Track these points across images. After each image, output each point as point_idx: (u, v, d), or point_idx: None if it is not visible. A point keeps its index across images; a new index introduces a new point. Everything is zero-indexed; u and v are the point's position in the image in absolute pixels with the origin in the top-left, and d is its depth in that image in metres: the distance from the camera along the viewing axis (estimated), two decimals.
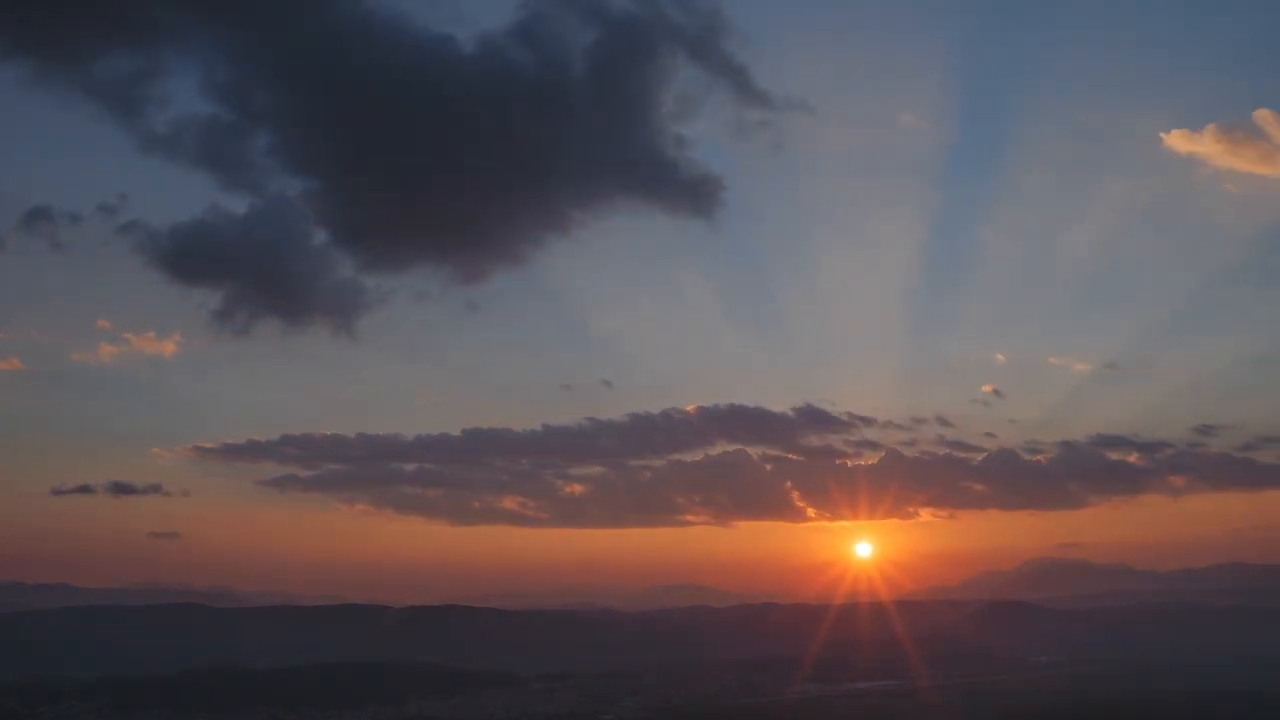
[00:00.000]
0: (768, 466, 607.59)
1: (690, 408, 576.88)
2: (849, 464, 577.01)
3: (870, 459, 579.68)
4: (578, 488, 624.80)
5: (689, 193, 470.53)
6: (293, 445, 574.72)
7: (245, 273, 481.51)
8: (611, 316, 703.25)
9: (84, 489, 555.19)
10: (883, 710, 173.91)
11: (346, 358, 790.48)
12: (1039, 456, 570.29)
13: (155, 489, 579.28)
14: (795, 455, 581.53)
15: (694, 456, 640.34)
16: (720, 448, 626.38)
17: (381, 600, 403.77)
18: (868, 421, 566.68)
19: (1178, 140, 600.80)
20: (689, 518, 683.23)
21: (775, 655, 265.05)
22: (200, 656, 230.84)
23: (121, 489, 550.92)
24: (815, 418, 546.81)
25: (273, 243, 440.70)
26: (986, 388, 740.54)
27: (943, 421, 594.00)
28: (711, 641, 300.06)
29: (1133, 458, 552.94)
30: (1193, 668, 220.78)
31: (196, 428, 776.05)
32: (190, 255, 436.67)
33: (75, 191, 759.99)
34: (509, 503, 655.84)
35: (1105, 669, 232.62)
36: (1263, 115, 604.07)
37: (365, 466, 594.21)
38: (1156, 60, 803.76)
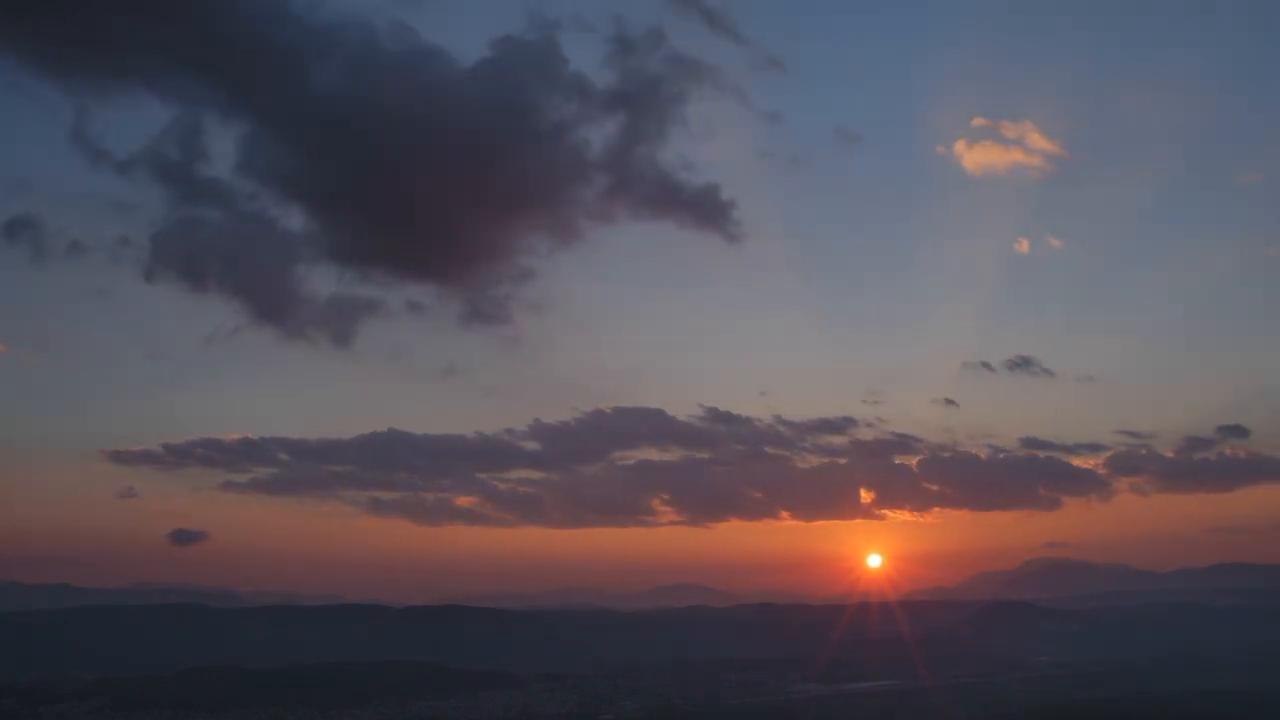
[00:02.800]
0: (716, 469, 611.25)
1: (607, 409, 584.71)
2: (799, 465, 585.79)
3: (813, 461, 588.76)
4: (522, 489, 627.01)
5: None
6: (212, 449, 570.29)
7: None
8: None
9: None
10: (883, 710, 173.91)
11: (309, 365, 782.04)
12: (981, 456, 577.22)
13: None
14: (733, 458, 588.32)
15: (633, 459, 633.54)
16: (647, 452, 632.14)
17: (381, 600, 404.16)
18: (783, 422, 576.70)
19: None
20: (657, 518, 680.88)
21: (775, 655, 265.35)
22: (200, 656, 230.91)
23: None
24: (725, 419, 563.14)
25: (248, 252, 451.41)
26: (869, 394, 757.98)
27: (851, 423, 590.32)
28: (711, 641, 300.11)
29: (1077, 460, 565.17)
30: (1192, 668, 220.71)
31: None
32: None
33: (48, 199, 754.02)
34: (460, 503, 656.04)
35: (1105, 669, 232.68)
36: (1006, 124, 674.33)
37: (296, 469, 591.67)
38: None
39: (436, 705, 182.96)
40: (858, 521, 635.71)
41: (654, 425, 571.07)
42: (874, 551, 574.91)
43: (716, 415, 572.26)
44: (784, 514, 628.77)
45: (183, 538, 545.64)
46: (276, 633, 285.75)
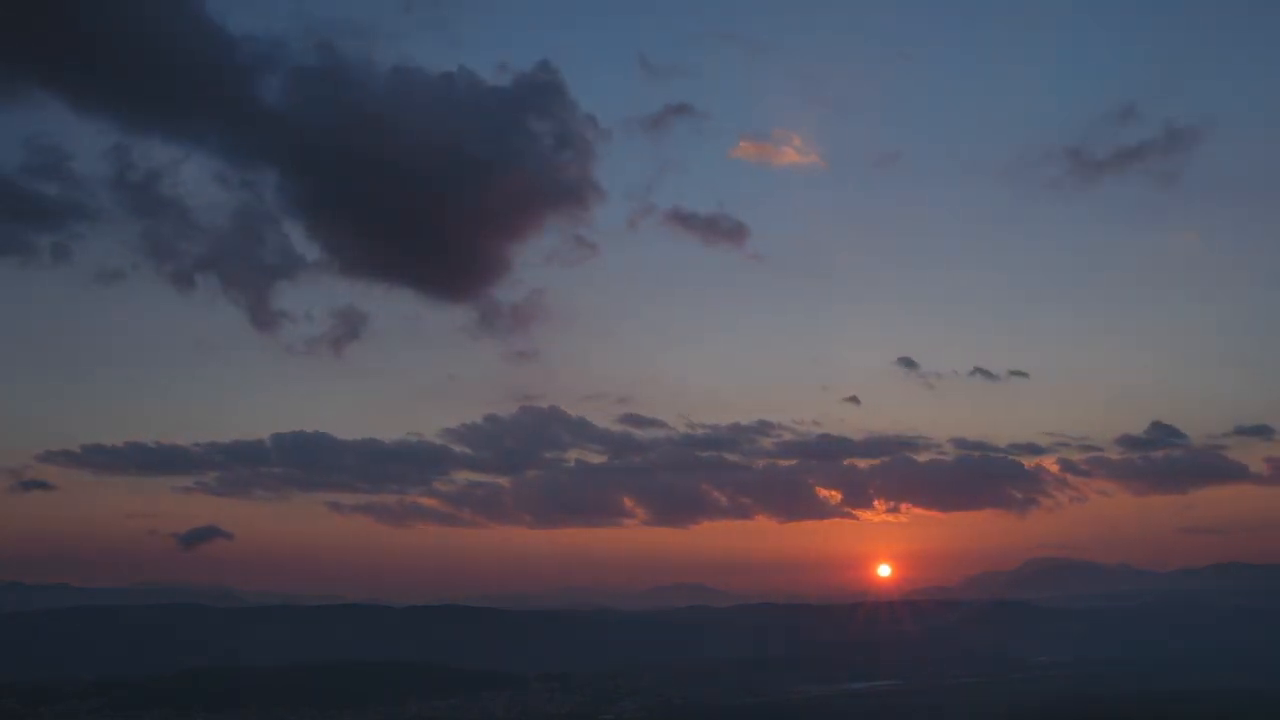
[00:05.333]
0: (667, 474, 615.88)
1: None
2: (757, 465, 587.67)
3: (759, 463, 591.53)
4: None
5: None
6: (137, 452, 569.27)
7: None
8: None
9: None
10: (883, 710, 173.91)
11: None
12: (919, 458, 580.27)
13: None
14: (669, 463, 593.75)
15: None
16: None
17: (381, 600, 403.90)
18: (704, 426, 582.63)
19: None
20: (627, 520, 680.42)
21: (775, 655, 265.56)
22: (200, 656, 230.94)
23: None
24: (639, 423, 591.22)
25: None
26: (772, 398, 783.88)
27: (769, 426, 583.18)
28: (711, 641, 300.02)
29: (1025, 460, 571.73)
30: (1193, 668, 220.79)
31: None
32: None
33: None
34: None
35: (1105, 669, 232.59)
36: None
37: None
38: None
39: (436, 705, 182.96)
40: (831, 522, 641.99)
41: (571, 430, 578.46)
42: (860, 552, 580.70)
43: (631, 419, 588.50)
44: (758, 515, 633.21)
45: (194, 538, 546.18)
46: (276, 633, 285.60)
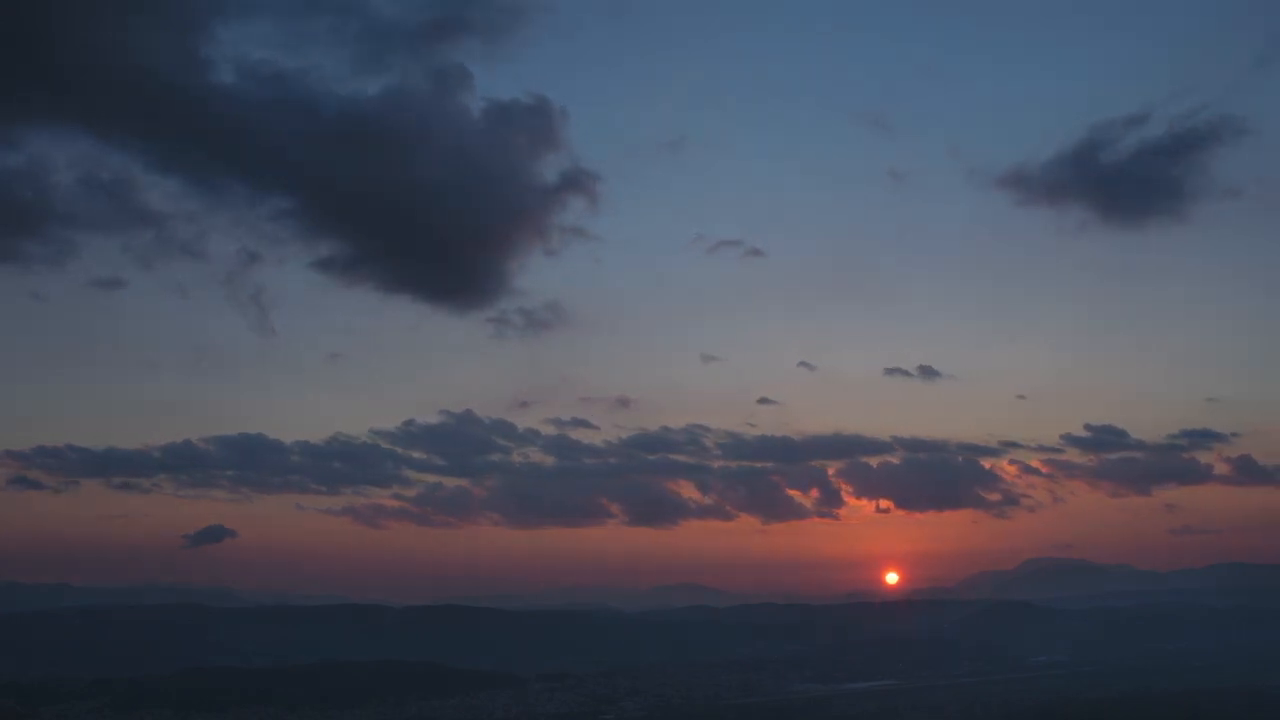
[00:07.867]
0: (635, 478, 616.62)
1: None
2: (713, 466, 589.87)
3: (715, 464, 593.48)
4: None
5: None
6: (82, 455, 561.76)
7: None
8: None
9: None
10: (883, 710, 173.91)
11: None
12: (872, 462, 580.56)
13: None
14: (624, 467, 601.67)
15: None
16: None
17: (381, 600, 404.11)
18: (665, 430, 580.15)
19: None
20: (606, 520, 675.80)
21: (775, 655, 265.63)
22: (200, 656, 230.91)
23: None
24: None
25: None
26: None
27: (705, 429, 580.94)
28: (711, 641, 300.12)
29: (987, 461, 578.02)
30: (1192, 668, 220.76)
31: None
32: None
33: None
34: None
35: (1105, 669, 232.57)
36: None
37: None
38: None
39: (436, 705, 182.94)
40: (810, 522, 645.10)
41: (504, 434, 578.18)
42: (848, 552, 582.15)
43: (555, 421, 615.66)
44: (741, 515, 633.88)
45: (206, 538, 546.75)
46: (276, 633, 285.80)
